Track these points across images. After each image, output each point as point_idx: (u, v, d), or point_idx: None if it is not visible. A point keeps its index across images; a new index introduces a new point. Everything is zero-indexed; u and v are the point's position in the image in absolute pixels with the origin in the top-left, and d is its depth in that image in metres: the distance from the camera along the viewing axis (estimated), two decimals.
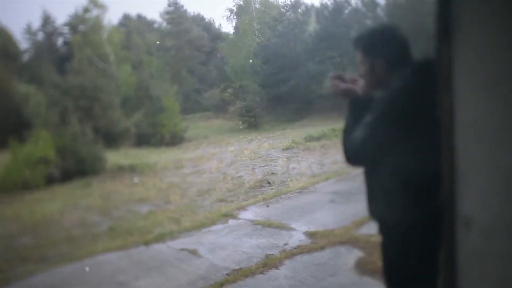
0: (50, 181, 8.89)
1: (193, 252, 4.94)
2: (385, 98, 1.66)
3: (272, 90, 19.22)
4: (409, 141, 1.63)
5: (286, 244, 4.79)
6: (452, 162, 1.47)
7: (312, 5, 19.99)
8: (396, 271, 1.75)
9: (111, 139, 10.50)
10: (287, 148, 11.87)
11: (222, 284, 3.98)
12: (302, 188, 7.31)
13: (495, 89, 1.37)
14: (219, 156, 11.71)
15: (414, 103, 1.63)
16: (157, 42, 16.01)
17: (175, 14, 19.91)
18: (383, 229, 1.79)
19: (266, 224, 5.62)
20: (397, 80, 1.68)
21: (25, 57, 12.48)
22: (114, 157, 10.02)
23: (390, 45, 1.77)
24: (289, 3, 21.02)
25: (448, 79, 1.47)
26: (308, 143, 11.87)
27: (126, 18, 17.51)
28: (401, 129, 1.63)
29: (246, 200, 7.33)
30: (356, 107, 1.78)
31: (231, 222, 6.02)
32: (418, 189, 1.65)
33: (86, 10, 13.60)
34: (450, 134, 1.47)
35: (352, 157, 1.76)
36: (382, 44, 1.78)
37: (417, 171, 1.64)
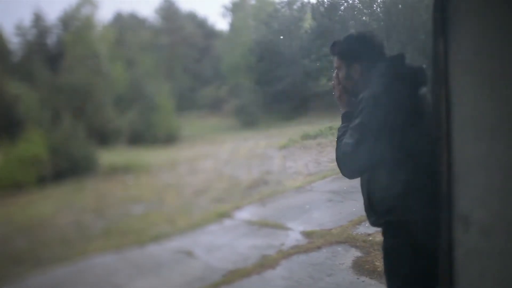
0: (42, 181, 8.80)
1: (189, 253, 4.92)
2: (367, 97, 1.66)
3: (268, 87, 19.15)
4: (399, 141, 1.62)
5: (282, 244, 4.77)
6: (449, 160, 1.44)
7: (308, 2, 19.85)
8: (398, 272, 1.74)
9: (104, 138, 10.41)
10: (283, 147, 11.83)
11: (218, 285, 3.97)
12: (298, 187, 7.29)
13: (493, 86, 1.33)
14: (214, 155, 11.66)
15: (394, 101, 1.64)
16: (150, 40, 15.98)
17: (168, 11, 19.78)
18: (385, 232, 1.78)
19: (262, 224, 5.60)
20: (375, 79, 1.70)
21: (16, 55, 12.37)
22: (107, 157, 9.95)
23: (365, 50, 1.80)
24: None
25: (445, 75, 1.45)
26: (304, 141, 11.82)
27: (118, 15, 17.40)
28: (388, 128, 1.62)
29: (242, 199, 7.29)
30: (350, 117, 1.77)
31: (227, 222, 6.00)
32: (416, 186, 1.64)
33: (78, 7, 13.48)
34: (447, 132, 1.45)
35: (348, 164, 1.71)
36: (357, 49, 1.81)
37: (412, 167, 1.64)
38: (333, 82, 1.88)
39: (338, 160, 1.73)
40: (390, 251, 1.76)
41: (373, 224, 1.80)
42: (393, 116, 1.62)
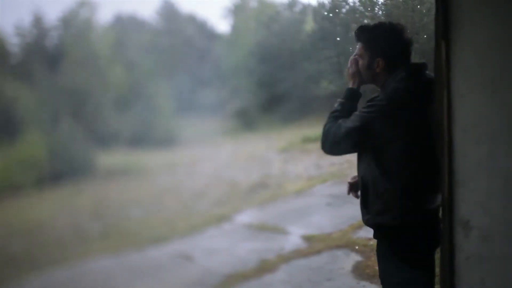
0: (40, 183, 8.75)
1: (188, 257, 4.89)
2: (381, 98, 1.64)
3: (269, 90, 19.14)
4: (402, 143, 1.61)
5: (282, 248, 4.75)
6: (450, 165, 1.44)
7: (309, 4, 19.87)
8: (392, 276, 1.73)
9: (104, 140, 10.38)
10: (284, 150, 11.81)
11: None
12: (298, 191, 7.27)
13: (494, 90, 1.35)
14: (214, 158, 11.64)
15: (408, 109, 1.62)
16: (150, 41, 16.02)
17: (169, 13, 19.81)
18: (377, 234, 1.76)
19: (262, 228, 5.59)
20: (394, 83, 1.66)
21: (16, 57, 12.36)
22: (106, 159, 9.93)
23: (394, 46, 1.72)
24: (286, 1, 20.99)
25: (447, 80, 1.44)
26: (305, 145, 11.81)
27: (118, 17, 17.44)
28: (392, 130, 1.61)
29: (241, 203, 7.27)
30: (354, 96, 1.77)
31: (226, 225, 5.98)
32: (412, 191, 1.63)
33: (77, 9, 13.50)
34: (449, 136, 1.44)
35: (332, 143, 1.69)
36: (386, 43, 1.71)
37: (410, 173, 1.63)
38: (351, 57, 1.79)
39: (326, 133, 1.71)
40: (383, 254, 1.75)
41: (366, 223, 1.77)
42: (402, 127, 1.60)
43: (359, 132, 1.61)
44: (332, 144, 1.69)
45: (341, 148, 1.69)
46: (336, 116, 1.70)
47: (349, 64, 1.80)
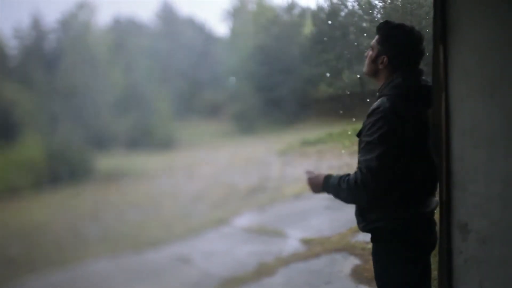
0: (38, 185, 8.75)
1: (186, 260, 4.89)
2: (378, 111, 1.62)
3: (267, 93, 19.16)
4: (401, 151, 1.61)
5: (280, 251, 4.74)
6: (448, 168, 1.44)
7: (308, 7, 19.92)
8: (388, 279, 1.73)
9: (102, 143, 10.38)
10: (282, 153, 11.81)
11: None
12: (297, 194, 7.25)
13: (492, 93, 1.35)
14: (212, 161, 11.63)
15: (404, 117, 1.61)
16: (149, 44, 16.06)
17: (167, 16, 19.84)
18: (374, 238, 1.76)
19: (261, 231, 5.59)
20: (392, 90, 1.67)
21: (14, 59, 12.36)
22: (104, 161, 9.92)
23: (404, 52, 1.73)
24: (285, 4, 21.04)
25: (445, 83, 1.44)
26: (303, 148, 11.81)
27: (117, 20, 17.46)
28: (396, 143, 1.60)
29: (240, 206, 7.26)
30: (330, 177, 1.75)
31: (225, 228, 5.97)
32: (411, 199, 1.64)
33: (76, 12, 13.51)
34: (447, 139, 1.44)
35: (374, 179, 1.58)
36: (397, 45, 1.73)
37: (409, 181, 1.63)
38: (370, 49, 1.81)
39: (355, 184, 1.61)
40: (379, 257, 1.76)
41: (362, 229, 1.77)
42: (402, 133, 1.60)
43: (388, 151, 1.58)
44: (371, 182, 1.58)
45: (382, 178, 1.59)
46: (343, 178, 1.67)
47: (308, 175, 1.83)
